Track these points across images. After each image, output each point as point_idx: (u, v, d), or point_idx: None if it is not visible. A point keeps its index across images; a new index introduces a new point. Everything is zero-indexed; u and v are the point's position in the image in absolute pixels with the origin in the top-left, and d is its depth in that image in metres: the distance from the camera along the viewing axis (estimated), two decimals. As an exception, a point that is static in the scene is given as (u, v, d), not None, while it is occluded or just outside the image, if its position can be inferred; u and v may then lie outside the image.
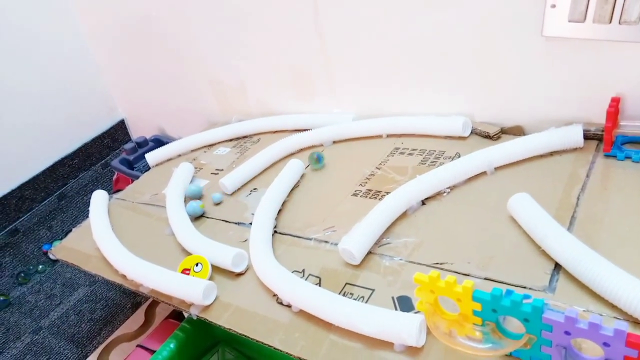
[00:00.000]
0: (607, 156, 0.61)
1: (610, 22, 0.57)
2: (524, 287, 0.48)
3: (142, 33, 1.08)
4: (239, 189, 0.80)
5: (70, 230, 1.20)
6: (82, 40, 1.22)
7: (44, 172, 1.19)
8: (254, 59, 0.94)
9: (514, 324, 0.41)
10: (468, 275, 0.51)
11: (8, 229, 1.14)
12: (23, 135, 1.15)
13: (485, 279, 0.50)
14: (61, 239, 1.18)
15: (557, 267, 0.48)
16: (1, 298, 1.04)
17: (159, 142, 1.21)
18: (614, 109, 0.60)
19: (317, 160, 0.74)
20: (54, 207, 1.21)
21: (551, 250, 0.49)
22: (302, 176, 0.78)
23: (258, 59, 0.94)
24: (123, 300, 1.00)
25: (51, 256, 1.15)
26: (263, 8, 0.86)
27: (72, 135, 1.23)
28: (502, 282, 0.49)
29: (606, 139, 0.61)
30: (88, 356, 0.90)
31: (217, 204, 0.77)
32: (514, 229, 0.55)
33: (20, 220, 1.16)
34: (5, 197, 1.12)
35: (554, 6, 0.60)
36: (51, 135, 1.19)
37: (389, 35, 0.76)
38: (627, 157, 0.60)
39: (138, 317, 0.95)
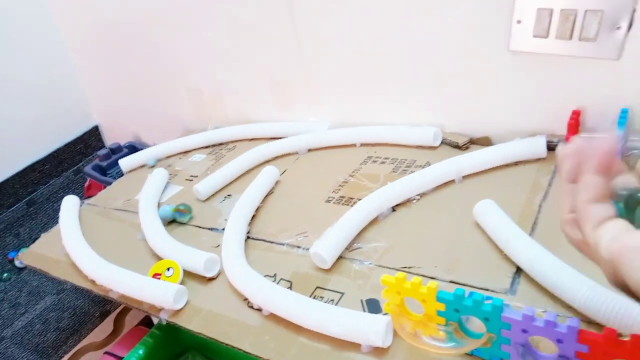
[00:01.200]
0: (568, 166, 0.64)
1: (571, 38, 0.60)
2: (487, 290, 0.49)
3: (120, 38, 1.08)
4: (213, 195, 0.80)
5: (39, 238, 1.17)
6: (59, 43, 1.20)
7: (13, 177, 1.16)
8: (233, 67, 0.95)
9: (475, 324, 0.42)
10: (434, 278, 0.52)
11: (-27, 235, 1.11)
12: (-8, 139, 1.12)
13: (450, 281, 0.51)
14: (28, 246, 1.15)
15: (519, 270, 0.50)
16: None
17: (133, 149, 1.20)
18: (575, 121, 0.63)
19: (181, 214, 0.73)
20: (22, 214, 1.19)
21: (513, 254, 0.50)
22: (277, 183, 0.79)
23: (236, 67, 0.95)
24: (92, 309, 0.98)
25: (17, 263, 1.13)
26: (242, 17, 0.87)
27: (44, 140, 1.21)
28: (467, 285, 0.50)
29: (567, 150, 0.63)
30: (53, 366, 0.88)
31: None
32: (479, 234, 0.56)
33: (-13, 226, 1.13)
34: (-29, 202, 1.10)
35: (519, 22, 0.63)
36: (22, 139, 1.17)
37: (364, 48, 0.78)
38: (587, 168, 0.63)
39: (106, 325, 0.93)
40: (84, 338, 0.91)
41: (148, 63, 1.08)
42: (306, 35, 0.82)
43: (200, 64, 0.99)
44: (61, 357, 0.89)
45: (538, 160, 0.67)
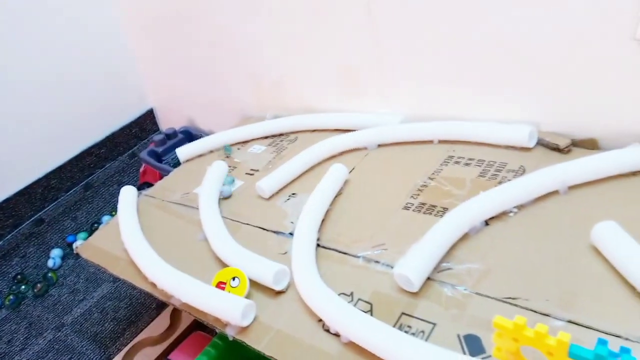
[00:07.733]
0: (703, 180, 0.54)
1: None
2: (618, 337, 0.41)
3: (178, 21, 1.03)
4: (275, 193, 0.75)
5: (96, 222, 1.17)
6: (115, 26, 1.17)
7: (70, 161, 1.15)
8: (297, 51, 0.88)
9: (617, 388, 0.34)
10: (548, 315, 0.44)
11: (33, 218, 1.11)
12: (50, 123, 1.11)
13: (568, 321, 0.43)
14: (86, 229, 1.15)
15: (658, 314, 0.42)
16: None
17: (188, 134, 1.16)
18: None
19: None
20: (79, 198, 1.18)
21: (651, 293, 0.42)
22: (345, 182, 0.72)
23: (301, 52, 0.87)
24: (148, 300, 0.96)
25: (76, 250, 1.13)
26: (309, -3, 0.79)
27: (100, 124, 1.20)
28: (590, 328, 0.42)
29: (703, 160, 0.53)
30: (111, 359, 0.86)
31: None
32: (599, 263, 0.48)
33: (46, 210, 1.13)
34: (31, 185, 1.09)
35: (652, 5, 0.52)
36: (79, 123, 1.16)
37: (448, 32, 0.69)
38: None
39: (163, 319, 0.91)
40: (140, 331, 0.90)
41: (207, 47, 1.02)
42: (381, 16, 0.74)
43: (262, 48, 0.93)
44: (119, 350, 0.87)
45: (663, 171, 0.57)
